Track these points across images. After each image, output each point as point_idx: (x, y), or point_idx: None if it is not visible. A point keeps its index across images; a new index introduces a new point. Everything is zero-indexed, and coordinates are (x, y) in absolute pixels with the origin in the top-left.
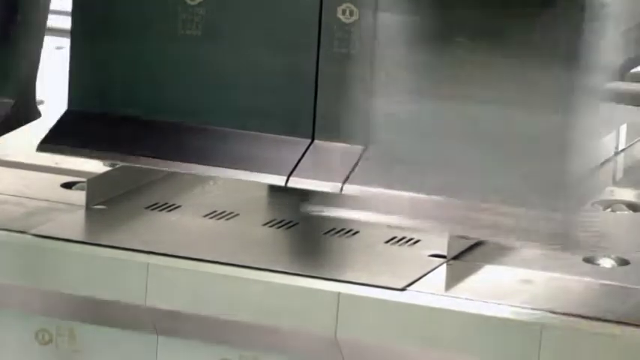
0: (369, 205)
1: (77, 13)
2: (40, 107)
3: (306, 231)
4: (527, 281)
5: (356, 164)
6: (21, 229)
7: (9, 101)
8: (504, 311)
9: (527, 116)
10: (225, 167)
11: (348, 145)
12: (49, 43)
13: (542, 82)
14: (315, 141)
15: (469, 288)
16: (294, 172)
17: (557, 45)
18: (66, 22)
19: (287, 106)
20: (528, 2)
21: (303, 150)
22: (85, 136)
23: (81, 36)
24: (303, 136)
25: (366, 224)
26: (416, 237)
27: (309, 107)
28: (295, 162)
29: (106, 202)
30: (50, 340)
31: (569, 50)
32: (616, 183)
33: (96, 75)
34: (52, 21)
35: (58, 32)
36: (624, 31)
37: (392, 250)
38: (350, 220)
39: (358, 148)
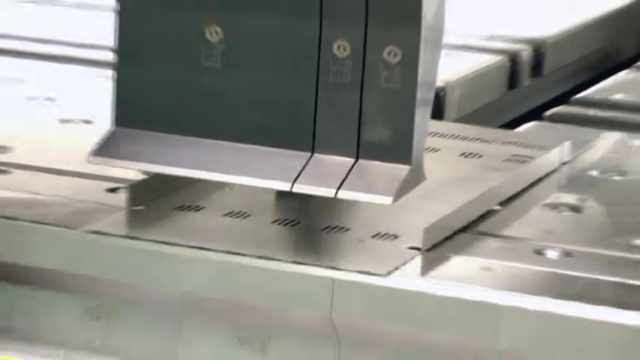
0: None
1: (120, 51)
2: (90, 126)
3: (306, 228)
4: (487, 269)
5: (348, 173)
6: (71, 226)
7: None
8: (468, 292)
9: None
10: (240, 175)
11: (342, 158)
12: (100, 73)
13: None
14: (315, 154)
15: (439, 274)
16: (297, 180)
17: None
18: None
19: (291, 125)
20: None
21: (305, 161)
22: (126, 149)
23: (123, 67)
24: (304, 149)
25: (358, 223)
26: (398, 233)
27: (310, 126)
28: (298, 171)
29: (144, 204)
30: (98, 317)
31: None
32: (561, 189)
33: (135, 98)
34: (103, 55)
35: (104, 65)
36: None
37: (377, 244)
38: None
39: (350, 160)
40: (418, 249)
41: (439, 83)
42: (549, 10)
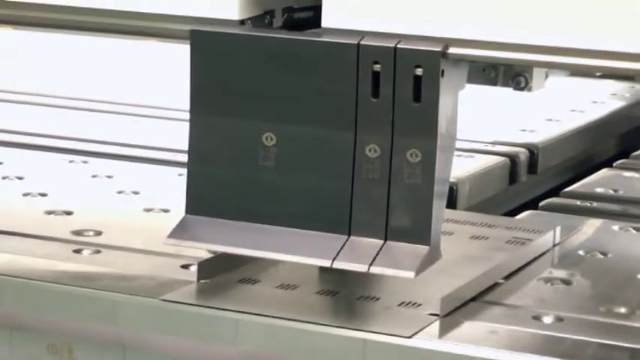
0: None
1: (191, 153)
2: (167, 214)
3: (344, 297)
4: (494, 332)
5: (378, 252)
6: (152, 296)
7: None
8: (478, 351)
9: None
10: (290, 254)
11: (373, 239)
12: (173, 171)
13: None
14: (351, 236)
15: (454, 336)
16: (336, 257)
17: None
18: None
19: (332, 213)
20: None
21: (343, 242)
22: (196, 233)
23: (194, 166)
24: (342, 233)
25: (387, 293)
26: (419, 301)
27: (347, 213)
28: (337, 250)
29: (210, 277)
30: None
31: None
32: (554, 265)
33: (204, 192)
34: (179, 156)
35: (179, 164)
36: None
37: (403, 310)
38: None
39: (380, 241)
40: (436, 315)
41: (452, 179)
42: (531, 120)
